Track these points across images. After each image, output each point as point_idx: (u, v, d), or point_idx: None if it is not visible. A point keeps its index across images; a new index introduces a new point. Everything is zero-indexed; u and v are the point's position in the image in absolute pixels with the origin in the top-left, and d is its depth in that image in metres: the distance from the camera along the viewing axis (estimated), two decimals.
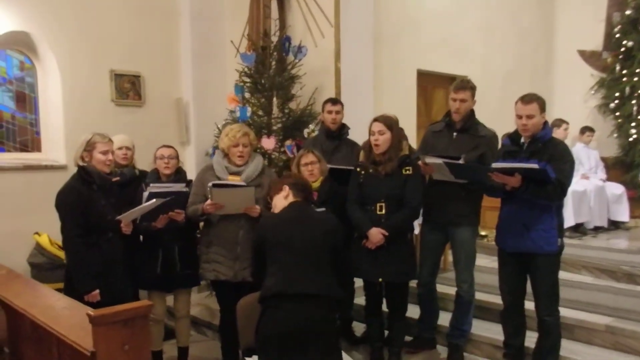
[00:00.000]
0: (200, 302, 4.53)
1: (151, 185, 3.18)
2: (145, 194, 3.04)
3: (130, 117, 4.82)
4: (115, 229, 2.99)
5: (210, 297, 4.41)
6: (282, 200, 2.59)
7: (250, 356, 2.70)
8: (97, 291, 2.85)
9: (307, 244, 2.39)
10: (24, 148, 4.64)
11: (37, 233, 4.25)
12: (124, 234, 3.04)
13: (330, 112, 3.70)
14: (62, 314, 2.47)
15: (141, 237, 3.34)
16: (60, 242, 3.90)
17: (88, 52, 4.63)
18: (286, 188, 2.60)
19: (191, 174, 4.14)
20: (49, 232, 4.16)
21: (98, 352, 1.99)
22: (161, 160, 3.34)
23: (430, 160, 3.15)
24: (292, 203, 2.54)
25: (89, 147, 2.93)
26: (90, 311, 2.04)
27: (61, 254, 3.95)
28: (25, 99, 4.63)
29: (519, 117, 2.95)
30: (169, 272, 3.29)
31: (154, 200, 2.95)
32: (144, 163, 3.68)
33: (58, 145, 4.60)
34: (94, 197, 2.91)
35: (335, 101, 3.77)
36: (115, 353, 2.03)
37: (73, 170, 3.05)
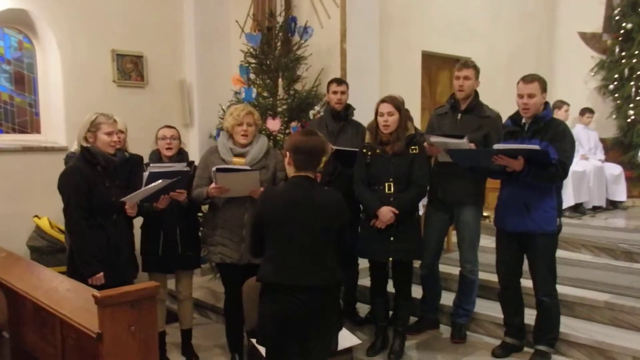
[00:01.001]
0: (204, 285, 4.55)
1: (151, 165, 3.14)
2: (145, 174, 3.01)
3: (132, 99, 4.75)
4: (119, 211, 2.96)
5: (213, 280, 4.44)
6: (289, 168, 2.34)
7: (255, 338, 2.72)
8: (102, 274, 2.82)
9: (307, 232, 2.23)
10: (23, 129, 4.58)
11: (36, 216, 4.21)
12: (128, 216, 3.02)
13: (335, 92, 3.68)
14: (67, 296, 2.44)
15: (140, 218, 3.31)
16: (60, 225, 3.91)
17: (89, 31, 4.54)
18: (287, 154, 2.34)
19: (195, 157, 4.14)
20: (49, 215, 4.14)
21: (104, 334, 1.97)
22: (163, 141, 3.31)
23: (434, 139, 3.17)
24: (294, 180, 2.31)
25: (94, 127, 2.87)
26: (96, 292, 2.01)
27: (62, 237, 3.94)
28: (24, 80, 4.56)
29: (520, 96, 2.99)
30: (171, 253, 3.29)
31: (160, 181, 2.92)
32: (146, 145, 3.64)
33: (58, 127, 4.54)
34: (98, 178, 2.87)
35: (340, 81, 3.74)
36: (122, 335, 2.01)
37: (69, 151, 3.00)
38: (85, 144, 2.88)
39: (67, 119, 4.43)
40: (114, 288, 2.10)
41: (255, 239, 2.37)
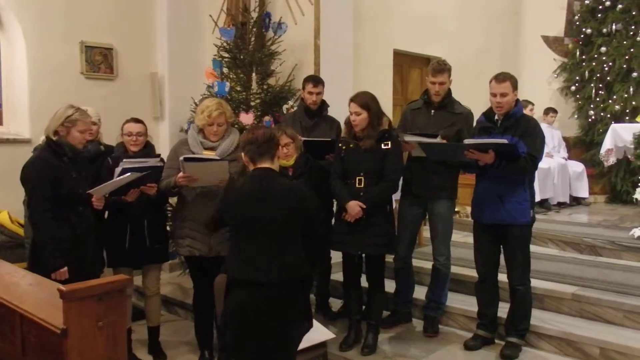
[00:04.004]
0: (172, 281, 4.47)
1: (124, 160, 3.06)
2: (118, 169, 2.94)
3: (102, 91, 4.66)
4: (86, 204, 2.88)
5: (182, 275, 4.37)
6: (249, 165, 2.35)
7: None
8: (66, 268, 2.74)
9: (268, 226, 2.21)
10: None
11: None
12: (95, 209, 2.94)
13: (311, 93, 3.68)
14: (29, 290, 2.34)
15: (106, 212, 3.23)
16: (21, 219, 3.80)
17: (56, 21, 4.43)
18: (242, 155, 2.36)
19: (165, 150, 4.06)
20: (9, 209, 3.98)
21: (69, 330, 1.88)
22: (129, 137, 3.23)
23: (409, 138, 3.24)
24: (254, 173, 2.30)
25: (69, 123, 2.78)
26: (62, 286, 1.94)
27: (22, 232, 3.81)
28: None
29: (494, 95, 3.08)
30: (138, 247, 3.20)
31: (130, 174, 2.86)
32: (114, 138, 3.56)
33: (22, 118, 4.40)
34: (64, 169, 2.79)
35: (317, 82, 3.71)
36: (89, 330, 1.93)
37: (37, 144, 2.91)
38: (53, 137, 2.79)
39: (32, 110, 4.32)
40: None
41: (214, 221, 2.46)
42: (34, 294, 2.30)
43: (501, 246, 3.24)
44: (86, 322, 1.93)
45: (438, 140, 3.15)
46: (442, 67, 3.39)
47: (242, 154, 2.36)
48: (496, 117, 3.14)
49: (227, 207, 2.32)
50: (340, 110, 3.71)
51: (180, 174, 2.93)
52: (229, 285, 2.29)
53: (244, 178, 2.41)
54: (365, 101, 3.14)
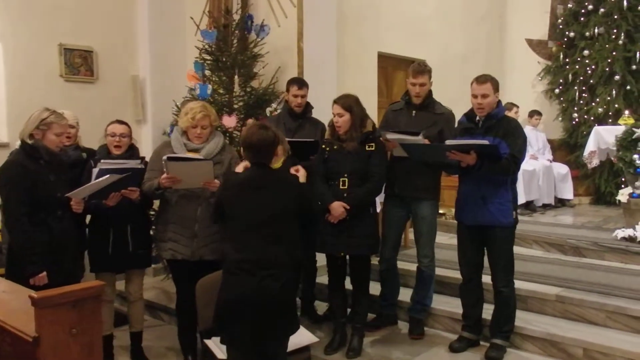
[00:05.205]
0: (156, 286, 4.42)
1: (102, 161, 2.99)
2: (95, 171, 2.87)
3: (81, 94, 4.61)
4: (65, 207, 2.82)
5: (166, 280, 4.31)
6: (246, 161, 2.50)
7: (208, 338, 2.66)
8: (44, 274, 2.69)
9: (265, 216, 2.31)
10: None
11: None
12: (75, 213, 2.88)
13: (296, 96, 3.68)
14: (2, 298, 2.26)
15: (88, 216, 3.17)
16: None
17: (34, 23, 4.38)
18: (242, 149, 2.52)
19: (147, 153, 4.01)
20: None
21: (42, 337, 1.81)
22: (112, 138, 3.15)
23: (391, 136, 3.22)
24: (252, 168, 2.43)
25: (44, 126, 2.74)
26: (34, 293, 1.89)
27: None
28: None
29: (475, 96, 3.10)
30: (121, 252, 3.14)
31: (108, 176, 2.79)
32: (96, 141, 3.47)
33: (0, 122, 4.33)
34: (41, 172, 2.73)
35: (302, 85, 3.71)
36: (62, 338, 1.85)
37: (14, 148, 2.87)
38: (28, 140, 2.74)
39: (9, 113, 4.26)
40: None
41: (217, 211, 2.50)
42: (8, 301, 2.22)
43: (485, 248, 3.23)
44: (59, 330, 1.87)
45: (420, 138, 3.14)
46: (422, 69, 3.40)
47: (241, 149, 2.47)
48: (477, 118, 3.15)
49: (227, 195, 2.40)
50: (324, 112, 3.70)
51: (164, 175, 2.87)
52: (225, 272, 2.33)
53: (241, 172, 2.51)
54: (348, 103, 3.14)
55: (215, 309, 2.35)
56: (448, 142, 3.05)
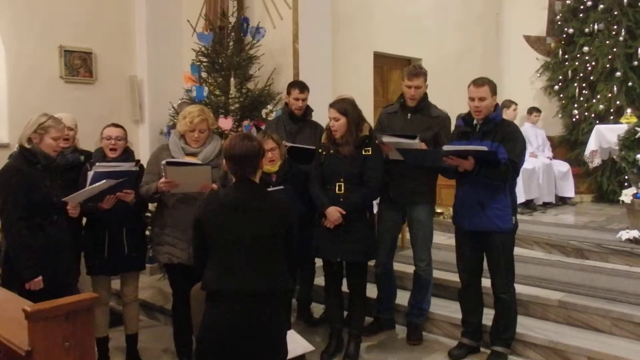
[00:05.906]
0: (153, 285, 4.41)
1: (97, 164, 3.01)
2: (90, 174, 2.88)
3: (81, 95, 4.66)
4: (60, 212, 2.85)
5: (163, 280, 4.32)
6: (229, 173, 2.32)
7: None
8: (40, 278, 2.71)
9: (251, 239, 2.14)
10: None
11: None
12: (70, 217, 2.90)
13: (297, 99, 3.68)
14: None
15: (84, 219, 3.19)
16: None
17: (35, 26, 4.45)
18: (224, 162, 2.31)
19: (145, 154, 4.07)
20: None
21: (35, 351, 1.82)
22: (108, 141, 3.16)
23: (387, 139, 3.20)
24: (236, 184, 2.23)
25: (41, 130, 2.77)
26: (27, 306, 1.88)
27: None
28: None
29: (472, 99, 3.05)
30: (117, 255, 3.15)
31: (105, 181, 2.81)
32: (93, 143, 3.49)
33: (0, 123, 4.39)
34: (38, 177, 2.76)
35: (303, 88, 3.70)
36: (55, 351, 1.87)
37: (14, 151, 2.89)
38: (27, 145, 2.77)
39: (11, 114, 4.32)
40: (48, 300, 1.97)
41: (197, 246, 2.26)
42: (1, 311, 2.23)
43: (484, 253, 3.18)
44: (52, 342, 1.88)
45: (417, 142, 3.11)
46: (417, 71, 3.36)
47: (224, 161, 2.28)
48: (475, 122, 3.10)
49: (206, 218, 2.19)
50: (319, 114, 3.71)
51: (162, 180, 2.88)
52: (207, 300, 2.18)
53: (225, 189, 2.34)
54: (344, 107, 3.11)
55: (196, 339, 2.26)
56: (446, 147, 3.00)
